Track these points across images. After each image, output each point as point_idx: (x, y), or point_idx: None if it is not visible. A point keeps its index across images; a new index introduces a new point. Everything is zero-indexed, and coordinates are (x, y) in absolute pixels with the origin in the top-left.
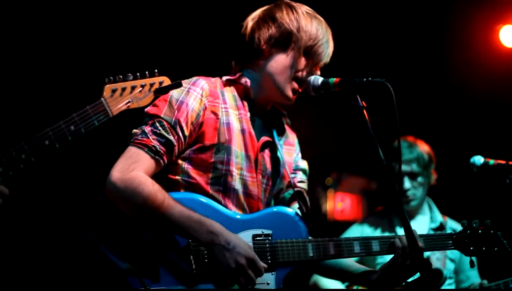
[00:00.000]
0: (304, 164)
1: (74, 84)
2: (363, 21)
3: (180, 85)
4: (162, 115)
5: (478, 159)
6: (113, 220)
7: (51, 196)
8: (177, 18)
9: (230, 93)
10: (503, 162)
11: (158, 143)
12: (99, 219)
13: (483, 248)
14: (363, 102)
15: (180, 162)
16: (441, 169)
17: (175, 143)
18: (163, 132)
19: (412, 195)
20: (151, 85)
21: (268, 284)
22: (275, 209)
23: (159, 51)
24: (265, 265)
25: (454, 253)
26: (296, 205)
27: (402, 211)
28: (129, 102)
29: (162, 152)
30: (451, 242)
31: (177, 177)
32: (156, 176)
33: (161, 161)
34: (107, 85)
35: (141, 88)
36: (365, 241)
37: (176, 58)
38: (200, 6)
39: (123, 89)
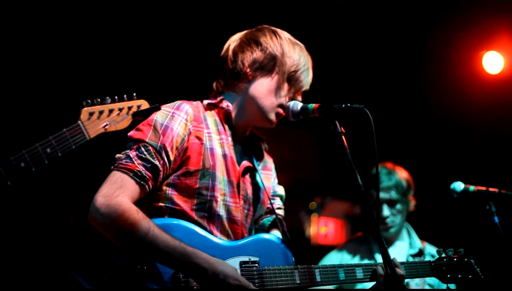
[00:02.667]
0: (281, 190)
1: (51, 107)
2: (344, 47)
3: (158, 108)
4: (147, 140)
5: (458, 185)
6: (84, 244)
7: (22, 219)
8: (155, 40)
9: (211, 117)
10: (483, 188)
11: (143, 169)
12: (70, 243)
13: (459, 276)
14: (342, 128)
15: (164, 188)
16: (421, 195)
17: (161, 168)
18: (148, 157)
19: (391, 222)
20: (129, 108)
21: None
22: (262, 235)
23: (137, 75)
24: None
25: (432, 279)
26: (276, 232)
27: (380, 238)
28: (106, 125)
29: (147, 177)
30: (429, 269)
31: (161, 204)
32: (139, 203)
33: (147, 186)
34: (85, 108)
35: (119, 111)
36: (349, 268)
37: (154, 82)
38: (178, 29)
39: (101, 112)
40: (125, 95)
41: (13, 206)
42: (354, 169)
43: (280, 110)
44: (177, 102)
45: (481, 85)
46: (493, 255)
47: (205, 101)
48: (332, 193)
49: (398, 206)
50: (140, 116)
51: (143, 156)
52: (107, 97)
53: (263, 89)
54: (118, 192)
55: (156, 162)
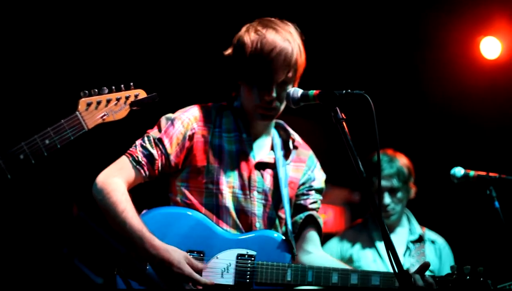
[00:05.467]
0: (319, 183)
1: (48, 98)
2: (340, 34)
3: (155, 98)
4: (151, 133)
5: (459, 170)
6: (88, 233)
7: (25, 210)
8: (151, 29)
9: (226, 117)
10: (483, 173)
11: (141, 155)
12: (73, 233)
13: None
14: (343, 115)
15: (178, 183)
16: (421, 180)
17: (157, 157)
18: (148, 146)
19: (392, 210)
20: (127, 98)
21: None
22: (265, 232)
23: (135, 64)
24: (206, 280)
25: (433, 264)
26: (311, 232)
27: (383, 226)
28: (104, 115)
29: (143, 162)
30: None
31: (177, 198)
32: (162, 198)
33: (142, 171)
34: (82, 99)
35: (116, 101)
36: (344, 272)
37: (152, 71)
38: (174, 16)
39: (98, 102)
40: (122, 85)
41: (14, 198)
42: (355, 155)
43: (261, 111)
44: (190, 106)
45: (479, 70)
46: (494, 241)
47: (220, 103)
48: (331, 180)
49: (399, 194)
50: (137, 106)
51: (144, 144)
52: (105, 88)
53: (244, 95)
54: (117, 173)
55: (154, 151)
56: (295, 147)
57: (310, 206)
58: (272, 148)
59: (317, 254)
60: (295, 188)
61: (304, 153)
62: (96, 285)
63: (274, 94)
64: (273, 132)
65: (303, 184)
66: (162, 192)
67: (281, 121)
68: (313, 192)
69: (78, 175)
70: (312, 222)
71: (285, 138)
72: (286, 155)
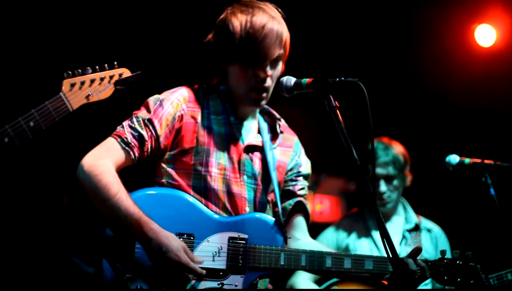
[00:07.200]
0: (306, 169)
1: (31, 80)
2: (335, 23)
3: (140, 76)
4: (139, 114)
5: (454, 158)
6: (78, 223)
7: (13, 199)
8: (134, 7)
9: (213, 100)
10: (478, 160)
11: (131, 136)
12: (63, 223)
13: (458, 279)
14: (336, 103)
15: (164, 165)
16: (416, 168)
17: (147, 139)
18: (137, 127)
19: (387, 198)
20: (111, 77)
21: (236, 285)
22: (256, 214)
23: (118, 43)
24: (202, 271)
25: (429, 253)
26: (299, 218)
27: (378, 213)
28: (89, 95)
29: (132, 144)
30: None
31: (163, 180)
32: (147, 180)
33: (131, 153)
34: (66, 80)
35: (100, 81)
36: (338, 256)
37: (136, 50)
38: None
39: (82, 83)
40: (106, 65)
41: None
42: (349, 143)
43: (253, 95)
44: (177, 87)
45: (474, 58)
46: (490, 228)
47: (206, 85)
48: (326, 170)
49: (395, 182)
50: (122, 85)
51: (133, 125)
52: (88, 68)
53: (233, 80)
54: (104, 155)
55: (143, 132)
56: (281, 131)
57: (299, 192)
58: (259, 131)
59: (305, 240)
60: (283, 173)
61: (290, 138)
62: (88, 275)
63: (268, 71)
64: (258, 116)
65: (291, 169)
66: (144, 174)
67: (266, 106)
68: (301, 178)
69: (67, 164)
70: (300, 209)
71: (271, 123)
72: (273, 138)
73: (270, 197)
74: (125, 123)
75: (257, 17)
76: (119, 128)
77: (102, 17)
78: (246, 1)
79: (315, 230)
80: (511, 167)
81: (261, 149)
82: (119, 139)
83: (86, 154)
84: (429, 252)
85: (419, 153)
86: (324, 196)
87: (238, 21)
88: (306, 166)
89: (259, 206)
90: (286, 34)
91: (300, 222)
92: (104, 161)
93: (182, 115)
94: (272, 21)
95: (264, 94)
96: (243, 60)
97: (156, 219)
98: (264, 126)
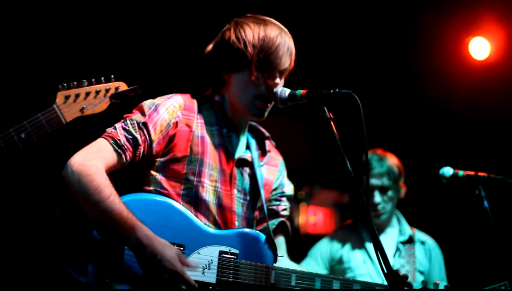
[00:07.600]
0: (289, 190)
1: (25, 91)
2: (330, 33)
3: (137, 90)
4: (133, 117)
5: (447, 170)
6: (72, 233)
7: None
8: (132, 21)
9: (206, 110)
10: (472, 173)
11: (124, 139)
12: (57, 232)
13: None
14: (331, 114)
15: (154, 173)
16: (410, 180)
17: (141, 143)
18: (131, 129)
19: (382, 209)
20: (107, 90)
21: None
22: (247, 230)
23: (115, 57)
24: (195, 284)
25: (423, 265)
26: (280, 238)
27: (371, 225)
28: (83, 108)
29: (126, 147)
30: None
31: (151, 188)
32: (133, 188)
33: (123, 156)
34: (60, 92)
35: (96, 94)
36: (327, 279)
37: (133, 64)
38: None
39: (77, 95)
40: (102, 78)
41: None
42: (343, 155)
43: (259, 104)
44: (172, 94)
45: (468, 71)
46: (483, 241)
47: (200, 95)
48: (320, 182)
49: (390, 193)
50: (118, 99)
51: (127, 128)
52: (84, 80)
53: (238, 87)
54: (95, 156)
55: (137, 135)
56: (269, 150)
57: (282, 213)
58: (248, 147)
59: (283, 261)
60: (269, 191)
61: (277, 157)
62: (80, 284)
63: (277, 80)
64: (246, 132)
65: (275, 189)
66: (129, 181)
67: (253, 123)
68: (284, 199)
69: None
70: (282, 229)
71: (259, 140)
72: (261, 155)
73: (256, 213)
74: (118, 125)
75: (271, 28)
76: (110, 129)
77: (99, 30)
78: (253, 15)
79: (309, 241)
80: (504, 179)
81: (250, 165)
82: (111, 141)
83: (74, 154)
84: (423, 265)
85: (413, 165)
86: (317, 208)
87: (252, 29)
88: (289, 187)
89: (246, 221)
90: (294, 50)
91: (281, 242)
92: (95, 161)
93: (177, 122)
94: (284, 34)
95: (269, 105)
96: (256, 65)
97: (146, 225)
98: (253, 142)
